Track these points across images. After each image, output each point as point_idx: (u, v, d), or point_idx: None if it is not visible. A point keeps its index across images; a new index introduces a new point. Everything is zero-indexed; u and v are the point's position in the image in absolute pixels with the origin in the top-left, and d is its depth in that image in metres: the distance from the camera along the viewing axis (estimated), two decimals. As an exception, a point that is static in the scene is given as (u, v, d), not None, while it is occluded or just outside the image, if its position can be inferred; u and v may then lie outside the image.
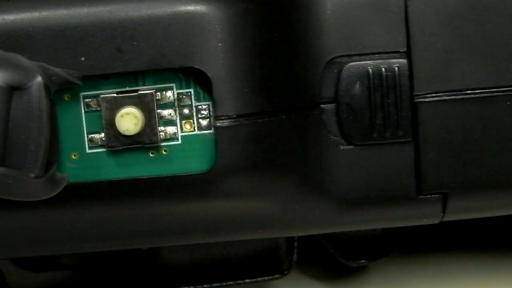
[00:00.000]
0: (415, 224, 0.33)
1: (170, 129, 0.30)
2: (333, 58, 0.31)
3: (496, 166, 0.31)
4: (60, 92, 0.29)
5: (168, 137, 0.30)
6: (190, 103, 0.30)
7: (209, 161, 0.30)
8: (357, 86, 0.31)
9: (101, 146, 0.30)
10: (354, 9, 0.31)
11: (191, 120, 0.30)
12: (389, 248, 0.41)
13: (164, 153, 0.30)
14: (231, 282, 0.38)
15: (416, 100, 0.31)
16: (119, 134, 0.29)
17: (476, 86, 0.31)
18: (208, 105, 0.30)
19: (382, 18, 0.31)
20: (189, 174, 0.29)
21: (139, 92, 0.29)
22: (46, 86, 0.27)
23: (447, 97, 0.31)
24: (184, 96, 0.30)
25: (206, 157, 0.30)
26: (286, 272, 0.39)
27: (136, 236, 0.32)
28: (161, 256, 0.38)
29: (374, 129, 0.31)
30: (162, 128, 0.30)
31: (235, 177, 0.29)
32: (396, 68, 0.31)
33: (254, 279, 0.38)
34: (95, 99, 0.30)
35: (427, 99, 0.31)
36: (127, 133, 0.29)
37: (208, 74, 0.29)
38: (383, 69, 0.31)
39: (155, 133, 0.29)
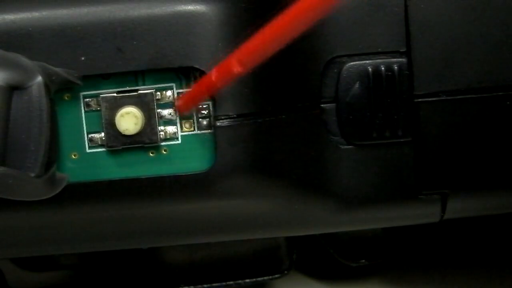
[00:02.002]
0: (415, 223, 0.33)
1: (170, 129, 0.30)
2: (333, 58, 0.31)
3: (495, 166, 0.31)
4: (60, 91, 0.29)
5: (168, 137, 0.30)
6: (190, 102, 0.30)
7: (209, 161, 0.30)
8: (357, 85, 0.31)
9: (101, 145, 0.30)
10: (354, 9, 0.31)
11: (191, 120, 0.30)
12: (389, 248, 0.41)
13: (164, 152, 0.30)
14: (231, 282, 0.38)
15: (416, 100, 0.31)
16: (119, 134, 0.29)
17: (476, 86, 0.31)
18: (208, 104, 0.30)
19: (382, 18, 0.31)
20: (189, 173, 0.29)
21: (139, 91, 0.29)
22: (46, 86, 0.27)
23: (446, 97, 0.31)
24: (184, 96, 0.30)
25: (206, 156, 0.30)
26: (286, 272, 0.38)
27: (136, 236, 0.32)
28: (161, 256, 0.38)
29: (374, 128, 0.31)
30: (162, 127, 0.30)
31: (235, 177, 0.29)
32: (396, 68, 0.31)
33: (254, 279, 0.38)
34: (95, 99, 0.30)
35: (426, 99, 0.31)
36: (127, 132, 0.29)
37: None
38: (383, 68, 0.31)
39: (155, 132, 0.29)
